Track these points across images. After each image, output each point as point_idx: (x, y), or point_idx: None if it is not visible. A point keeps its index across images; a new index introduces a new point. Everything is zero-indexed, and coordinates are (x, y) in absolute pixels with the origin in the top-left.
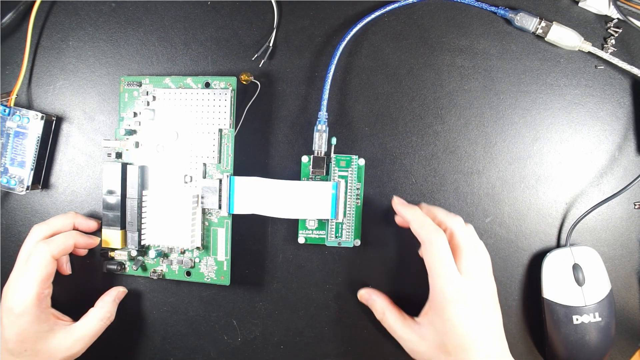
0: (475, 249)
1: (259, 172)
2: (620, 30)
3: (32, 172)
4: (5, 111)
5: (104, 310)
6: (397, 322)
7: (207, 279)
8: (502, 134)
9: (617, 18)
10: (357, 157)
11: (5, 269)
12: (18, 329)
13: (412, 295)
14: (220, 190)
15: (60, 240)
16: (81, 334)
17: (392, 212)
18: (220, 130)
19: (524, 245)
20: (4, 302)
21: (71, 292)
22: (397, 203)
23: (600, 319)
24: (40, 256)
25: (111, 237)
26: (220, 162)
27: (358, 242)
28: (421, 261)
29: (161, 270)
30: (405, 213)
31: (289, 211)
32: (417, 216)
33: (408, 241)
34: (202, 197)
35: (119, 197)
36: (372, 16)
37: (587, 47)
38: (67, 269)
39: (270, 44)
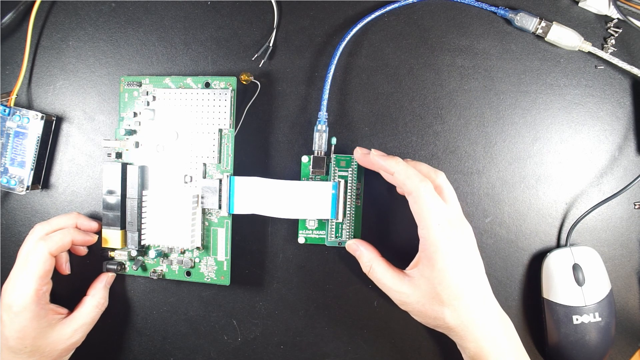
0: (456, 199)
1: (259, 172)
2: (620, 30)
3: (32, 172)
4: (5, 111)
5: (97, 297)
6: (386, 275)
7: (207, 279)
8: (502, 134)
9: (617, 18)
10: None
11: (6, 269)
12: (18, 326)
13: None
14: (220, 190)
15: (57, 237)
16: (79, 323)
17: (392, 213)
18: (220, 130)
19: (524, 245)
20: (4, 300)
21: (71, 292)
22: (376, 155)
23: (600, 319)
24: (37, 253)
25: (111, 237)
26: (220, 162)
27: None
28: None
29: (161, 270)
30: (388, 165)
31: (289, 211)
32: (401, 167)
33: (408, 242)
34: (202, 197)
35: (119, 197)
36: (372, 16)
37: (587, 47)
38: (66, 269)
39: (270, 44)
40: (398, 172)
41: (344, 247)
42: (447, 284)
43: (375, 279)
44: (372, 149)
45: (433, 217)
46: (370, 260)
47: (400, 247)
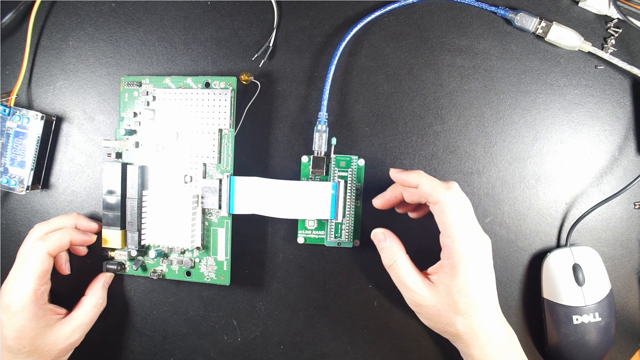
0: (472, 210)
1: (259, 172)
2: (620, 30)
3: (32, 172)
4: (5, 111)
5: (95, 297)
6: (408, 272)
7: (207, 279)
8: (502, 134)
9: (617, 18)
10: (357, 157)
11: (5, 269)
12: (16, 326)
13: None
14: (220, 190)
15: (55, 237)
16: (78, 323)
17: (392, 213)
18: (220, 130)
19: (524, 245)
20: (2, 300)
21: (71, 292)
22: (396, 172)
23: (600, 319)
24: (36, 253)
25: (111, 237)
26: (220, 162)
27: (357, 243)
28: (420, 263)
29: (161, 270)
30: (411, 178)
31: (288, 211)
32: (423, 178)
33: (408, 242)
34: (202, 197)
35: (119, 197)
36: (372, 16)
37: (587, 47)
38: (66, 269)
39: (270, 44)
40: (422, 183)
41: (344, 248)
42: (465, 292)
43: (396, 274)
44: (391, 168)
45: (459, 227)
46: (395, 254)
47: None
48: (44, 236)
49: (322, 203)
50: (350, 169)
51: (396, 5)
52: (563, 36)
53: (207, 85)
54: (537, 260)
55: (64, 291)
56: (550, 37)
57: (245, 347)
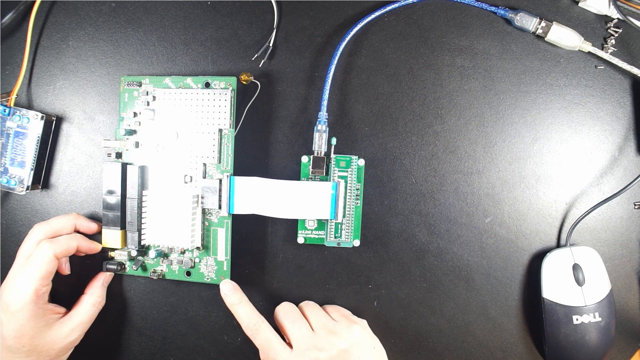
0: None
1: (259, 172)
2: (620, 30)
3: (32, 172)
4: (5, 111)
5: (94, 296)
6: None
7: (207, 279)
8: (502, 134)
9: (617, 18)
10: (357, 157)
11: (5, 269)
12: (15, 325)
13: (410, 297)
14: (220, 190)
15: (64, 240)
16: (77, 322)
17: (391, 213)
18: (220, 130)
19: (524, 245)
20: (2, 299)
21: (71, 292)
22: (227, 293)
23: (600, 319)
24: (42, 254)
25: (111, 237)
26: (220, 162)
27: (357, 243)
28: (419, 263)
29: (161, 270)
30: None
31: (288, 211)
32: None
33: (408, 242)
34: (202, 197)
35: (119, 197)
36: (372, 16)
37: (587, 47)
38: (66, 269)
39: (270, 44)
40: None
41: (344, 248)
42: None
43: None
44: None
45: None
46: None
47: (400, 248)
48: (53, 239)
49: (322, 203)
50: (350, 169)
51: (396, 5)
52: (563, 36)
53: (207, 85)
54: (537, 260)
55: (64, 291)
56: (550, 37)
57: (245, 347)
